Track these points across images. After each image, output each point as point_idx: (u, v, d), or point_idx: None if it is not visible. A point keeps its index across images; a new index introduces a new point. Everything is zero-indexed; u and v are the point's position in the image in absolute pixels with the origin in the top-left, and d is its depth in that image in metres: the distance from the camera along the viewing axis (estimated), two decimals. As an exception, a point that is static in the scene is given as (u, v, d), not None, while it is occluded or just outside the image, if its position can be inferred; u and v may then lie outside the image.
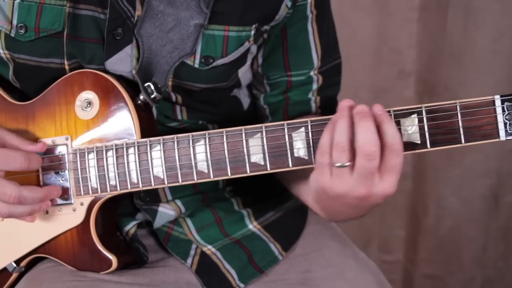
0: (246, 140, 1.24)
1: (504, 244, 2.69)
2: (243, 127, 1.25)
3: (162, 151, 1.28)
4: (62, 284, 1.34)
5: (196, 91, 1.41)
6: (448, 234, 2.72)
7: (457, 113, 1.16)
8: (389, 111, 1.18)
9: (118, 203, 1.41)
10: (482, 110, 1.16)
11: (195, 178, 1.27)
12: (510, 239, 2.68)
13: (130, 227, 1.45)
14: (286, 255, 1.47)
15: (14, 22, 1.35)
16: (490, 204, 2.65)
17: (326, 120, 1.20)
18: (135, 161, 1.30)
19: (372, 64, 2.61)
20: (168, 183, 1.28)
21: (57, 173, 1.35)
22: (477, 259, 2.72)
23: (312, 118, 1.21)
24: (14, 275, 1.40)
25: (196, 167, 1.27)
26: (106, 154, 1.31)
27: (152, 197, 1.46)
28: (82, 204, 1.34)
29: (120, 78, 1.36)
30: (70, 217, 1.35)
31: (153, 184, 1.29)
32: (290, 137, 1.22)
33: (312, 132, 1.21)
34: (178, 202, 1.49)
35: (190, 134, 1.27)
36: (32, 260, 1.40)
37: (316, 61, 1.47)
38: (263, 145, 1.24)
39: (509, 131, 1.15)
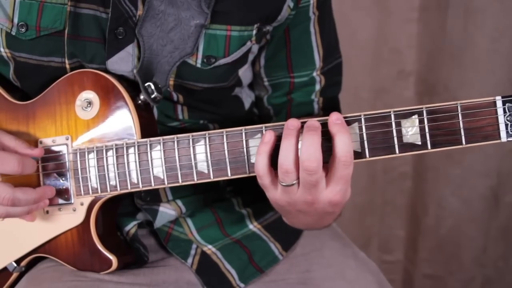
0: (246, 141, 1.24)
1: (504, 244, 2.69)
2: (243, 128, 1.25)
3: (162, 151, 1.28)
4: (62, 284, 1.34)
5: (197, 90, 1.41)
6: (448, 234, 2.72)
7: (458, 114, 1.16)
8: (389, 112, 1.18)
9: (118, 203, 1.41)
10: (483, 111, 1.15)
11: (195, 179, 1.27)
12: (510, 239, 2.68)
13: (131, 227, 1.45)
14: (286, 255, 1.48)
15: (15, 20, 1.35)
16: (490, 204, 2.65)
17: (326, 120, 1.20)
18: (135, 161, 1.30)
19: (372, 64, 2.61)
20: (168, 183, 1.28)
21: (57, 173, 1.34)
22: (477, 259, 2.73)
23: (312, 118, 1.21)
24: (15, 275, 1.40)
25: (196, 167, 1.27)
26: (106, 154, 1.31)
27: (152, 197, 1.46)
28: (82, 204, 1.34)
29: (120, 78, 1.36)
30: (70, 217, 1.35)
31: (153, 185, 1.29)
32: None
33: (312, 132, 1.21)
34: (179, 202, 1.49)
35: (190, 134, 1.27)
36: (33, 260, 1.40)
37: (318, 62, 1.47)
38: (263, 146, 1.23)
39: (510, 132, 1.15)
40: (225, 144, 1.25)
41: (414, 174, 2.71)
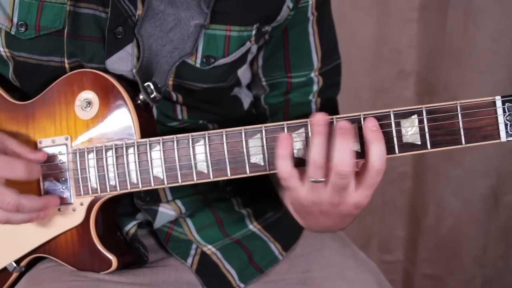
0: (246, 141, 1.24)
1: (504, 244, 2.69)
2: (242, 128, 1.25)
3: (161, 151, 1.28)
4: (62, 284, 1.34)
5: (197, 90, 1.41)
6: (448, 234, 2.72)
7: (458, 114, 1.16)
8: (389, 112, 1.18)
9: (118, 203, 1.41)
10: (482, 111, 1.15)
11: (195, 179, 1.27)
12: (510, 239, 2.68)
13: (130, 227, 1.45)
14: (286, 255, 1.48)
15: (15, 20, 1.35)
16: (490, 204, 2.65)
17: (331, 120, 1.20)
18: (135, 161, 1.30)
19: (372, 64, 2.61)
20: (167, 183, 1.28)
21: (57, 173, 1.34)
22: (477, 259, 2.73)
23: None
24: (14, 275, 1.40)
25: (195, 167, 1.27)
26: (105, 154, 1.31)
27: (152, 197, 1.46)
28: (82, 204, 1.34)
29: (120, 78, 1.36)
30: (70, 217, 1.35)
31: (152, 185, 1.29)
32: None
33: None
34: (178, 202, 1.49)
35: (189, 134, 1.27)
36: (32, 260, 1.40)
37: (316, 63, 1.47)
38: (263, 146, 1.24)
39: (509, 132, 1.15)
40: (225, 144, 1.25)
41: (414, 174, 2.71)
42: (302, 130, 1.22)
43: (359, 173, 1.19)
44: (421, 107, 1.17)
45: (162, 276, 1.42)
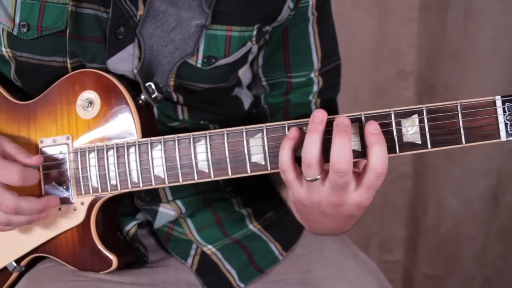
0: (247, 140, 1.25)
1: (504, 244, 2.69)
2: (243, 127, 1.25)
3: (163, 151, 1.28)
4: (63, 284, 1.34)
5: (197, 91, 1.41)
6: (448, 234, 2.72)
7: (458, 113, 1.16)
8: (389, 111, 1.18)
9: (118, 203, 1.41)
10: (483, 110, 1.15)
11: (196, 178, 1.27)
12: (510, 239, 2.68)
13: (131, 227, 1.45)
14: (286, 255, 1.48)
15: (17, 20, 1.35)
16: (490, 204, 2.65)
17: (327, 120, 1.20)
18: (136, 161, 1.30)
19: (372, 64, 2.61)
20: (168, 182, 1.29)
21: (57, 172, 1.35)
22: (477, 259, 2.72)
23: (313, 118, 1.21)
24: (14, 275, 1.40)
25: (196, 166, 1.27)
26: (107, 154, 1.31)
27: (152, 197, 1.46)
28: (82, 203, 1.34)
29: (121, 78, 1.36)
30: (70, 216, 1.35)
31: (153, 184, 1.29)
32: (289, 131, 1.22)
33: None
34: (179, 202, 1.49)
35: (191, 133, 1.27)
36: (33, 260, 1.40)
37: (316, 63, 1.47)
38: (263, 145, 1.24)
39: (510, 132, 1.15)
40: (226, 143, 1.25)
41: (414, 174, 2.71)
42: (304, 129, 1.21)
43: (360, 174, 1.19)
44: (422, 107, 1.18)
45: (162, 276, 1.42)
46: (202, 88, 1.41)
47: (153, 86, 1.33)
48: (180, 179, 1.28)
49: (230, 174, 1.26)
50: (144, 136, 1.31)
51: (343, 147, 1.15)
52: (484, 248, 2.71)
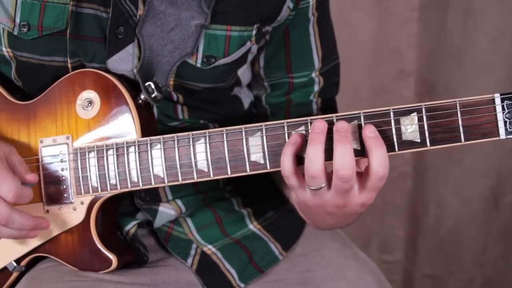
0: (246, 139, 1.25)
1: (504, 244, 2.69)
2: (243, 126, 1.25)
3: (162, 150, 1.28)
4: (63, 284, 1.34)
5: (197, 90, 1.42)
6: (448, 234, 2.72)
7: (457, 111, 1.16)
8: (388, 110, 1.18)
9: (118, 203, 1.41)
10: (482, 108, 1.15)
11: (195, 177, 1.27)
12: (510, 239, 2.68)
13: (130, 226, 1.45)
14: (286, 255, 1.47)
15: (17, 20, 1.35)
16: (490, 204, 2.65)
17: (326, 118, 1.20)
18: (136, 160, 1.30)
19: (372, 64, 2.61)
20: (168, 182, 1.29)
21: (57, 172, 1.35)
22: (477, 259, 2.72)
23: (312, 117, 1.21)
24: (15, 275, 1.40)
25: (196, 166, 1.27)
26: (106, 153, 1.32)
27: (152, 196, 1.46)
28: (82, 203, 1.34)
29: (121, 77, 1.36)
30: (70, 216, 1.35)
31: (153, 183, 1.29)
32: (290, 136, 1.22)
33: (312, 130, 1.21)
34: (179, 201, 1.49)
35: (190, 133, 1.27)
36: (33, 260, 1.40)
37: (317, 63, 1.48)
38: (263, 144, 1.24)
39: (509, 130, 1.15)
40: (225, 142, 1.25)
41: (414, 174, 2.71)
42: (302, 128, 1.22)
43: (363, 177, 1.19)
44: (421, 105, 1.17)
45: (162, 276, 1.42)
46: (201, 88, 1.41)
47: (153, 86, 1.33)
48: (180, 179, 1.28)
49: (229, 173, 1.26)
50: (143, 135, 1.31)
51: (345, 153, 1.15)
52: (484, 248, 2.70)
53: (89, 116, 1.34)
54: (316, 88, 1.50)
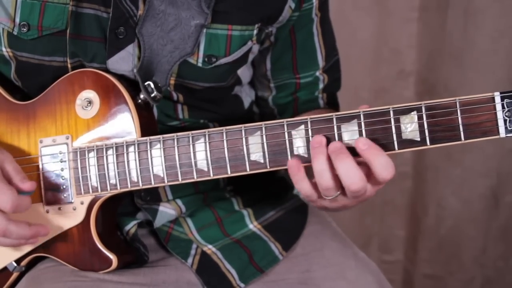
0: (246, 138, 1.25)
1: (504, 244, 2.69)
2: (242, 125, 1.25)
3: (162, 150, 1.28)
4: (63, 284, 1.34)
5: (198, 89, 1.42)
6: (448, 234, 2.72)
7: (457, 110, 1.16)
8: (388, 108, 1.18)
9: (118, 202, 1.41)
10: (481, 107, 1.15)
11: (195, 177, 1.27)
12: (510, 239, 2.68)
13: (131, 226, 1.45)
14: (286, 255, 1.47)
15: (17, 20, 1.35)
16: (490, 204, 2.65)
17: (326, 117, 1.20)
18: (135, 160, 1.30)
19: (372, 64, 2.61)
20: (168, 181, 1.29)
21: (57, 172, 1.35)
22: (477, 259, 2.72)
23: (312, 116, 1.22)
24: (15, 275, 1.40)
25: (196, 165, 1.27)
26: (106, 153, 1.31)
27: (152, 196, 1.46)
28: (82, 203, 1.34)
29: (120, 77, 1.36)
30: (70, 216, 1.35)
31: (153, 183, 1.29)
32: (290, 135, 1.22)
33: (312, 130, 1.21)
34: (179, 201, 1.49)
35: (190, 132, 1.27)
36: (33, 260, 1.40)
37: (321, 62, 1.51)
38: (262, 143, 1.24)
39: (509, 128, 1.15)
40: (225, 141, 1.25)
41: (414, 174, 2.71)
42: (302, 127, 1.22)
43: (373, 181, 1.20)
44: (420, 104, 1.17)
45: (163, 275, 1.42)
46: (202, 87, 1.41)
47: (152, 85, 1.33)
48: (180, 178, 1.28)
49: (229, 172, 1.26)
50: (143, 135, 1.31)
51: (349, 170, 1.17)
52: (484, 248, 2.70)
53: (89, 116, 1.34)
54: (321, 85, 1.54)
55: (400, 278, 2.83)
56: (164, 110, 1.43)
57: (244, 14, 1.38)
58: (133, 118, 1.32)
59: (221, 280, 1.42)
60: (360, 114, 1.19)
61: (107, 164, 1.32)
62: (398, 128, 1.18)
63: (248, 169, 1.25)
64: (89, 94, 1.34)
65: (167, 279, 1.41)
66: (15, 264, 1.39)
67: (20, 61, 1.39)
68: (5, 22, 1.36)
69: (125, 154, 1.30)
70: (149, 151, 1.29)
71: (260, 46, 1.47)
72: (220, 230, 1.49)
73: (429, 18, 2.53)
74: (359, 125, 1.19)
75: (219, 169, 1.26)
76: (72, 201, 1.34)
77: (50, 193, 1.35)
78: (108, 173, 1.31)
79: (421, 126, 1.17)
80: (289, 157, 1.23)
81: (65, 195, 1.35)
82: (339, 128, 1.20)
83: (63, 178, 1.35)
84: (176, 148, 1.28)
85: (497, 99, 1.15)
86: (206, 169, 1.27)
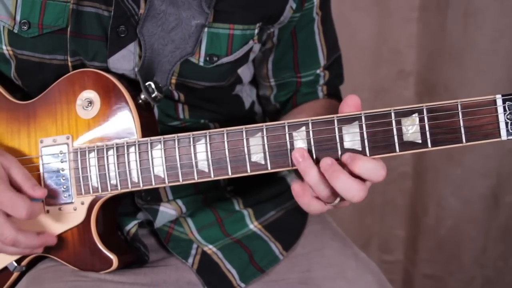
0: (247, 139, 1.24)
1: (504, 244, 2.69)
2: (243, 126, 1.25)
3: (162, 150, 1.28)
4: (63, 284, 1.34)
5: (199, 89, 1.42)
6: (448, 234, 2.72)
7: (458, 112, 1.16)
8: (389, 110, 1.18)
9: (119, 203, 1.41)
10: (483, 109, 1.15)
11: (196, 178, 1.27)
12: (510, 239, 2.68)
13: (131, 226, 1.45)
14: (286, 255, 1.47)
15: (18, 18, 1.35)
16: (490, 204, 2.65)
17: (327, 119, 1.20)
18: (136, 160, 1.30)
19: (372, 64, 2.61)
20: (168, 182, 1.28)
21: (58, 172, 1.35)
22: (477, 259, 2.73)
23: (313, 118, 1.21)
24: (15, 274, 1.40)
25: (196, 166, 1.27)
26: (107, 153, 1.31)
27: (153, 196, 1.46)
28: (82, 203, 1.34)
29: (121, 77, 1.36)
30: (70, 216, 1.35)
31: (153, 183, 1.29)
32: (291, 136, 1.22)
33: (312, 131, 1.21)
34: (179, 201, 1.49)
35: (190, 133, 1.27)
36: (33, 260, 1.40)
37: (322, 61, 1.52)
38: (263, 144, 1.24)
39: (510, 131, 1.14)
40: (226, 142, 1.25)
41: (414, 174, 2.71)
42: (303, 129, 1.22)
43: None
44: (422, 106, 1.17)
45: (163, 275, 1.42)
46: (203, 86, 1.41)
47: (153, 86, 1.33)
48: (180, 179, 1.28)
49: (230, 173, 1.26)
50: (144, 135, 1.31)
51: (346, 184, 1.17)
52: (484, 248, 2.71)
53: (89, 116, 1.34)
54: (322, 81, 1.55)
55: (400, 278, 2.83)
56: (165, 110, 1.43)
57: (246, 13, 1.38)
58: (133, 118, 1.32)
59: (222, 280, 1.42)
60: (361, 116, 1.19)
61: (108, 165, 1.31)
62: (399, 130, 1.18)
63: (249, 170, 1.25)
64: (90, 94, 1.34)
65: (167, 279, 1.41)
66: (16, 264, 1.39)
67: (20, 60, 1.38)
68: (5, 20, 1.36)
69: (125, 155, 1.30)
70: (150, 151, 1.29)
71: (262, 47, 1.48)
72: (220, 230, 1.49)
73: (429, 18, 2.53)
74: (360, 127, 1.19)
75: (220, 170, 1.26)
76: (73, 201, 1.34)
77: (50, 193, 1.35)
78: (108, 174, 1.31)
79: (422, 128, 1.17)
80: (290, 158, 1.23)
81: (65, 195, 1.35)
82: (340, 130, 1.20)
83: (64, 178, 1.34)
84: (177, 148, 1.28)
85: (499, 102, 1.15)
86: (207, 170, 1.27)
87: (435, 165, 2.66)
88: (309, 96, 1.55)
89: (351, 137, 1.20)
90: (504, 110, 1.14)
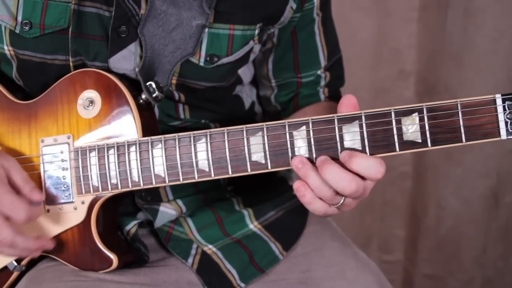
0: (247, 139, 1.25)
1: (504, 244, 2.69)
2: (244, 126, 1.25)
3: (163, 150, 1.28)
4: (63, 284, 1.34)
5: (199, 89, 1.42)
6: (448, 234, 2.72)
7: (458, 112, 1.16)
8: (389, 110, 1.18)
9: (119, 202, 1.41)
10: (483, 109, 1.15)
11: (196, 177, 1.27)
12: (510, 239, 2.68)
13: (131, 226, 1.45)
14: (286, 255, 1.47)
15: (19, 18, 1.35)
16: (490, 204, 2.66)
17: (327, 118, 1.20)
18: (137, 160, 1.30)
19: (372, 64, 2.61)
20: (169, 181, 1.29)
21: (58, 171, 1.35)
22: (477, 259, 2.73)
23: (313, 117, 1.22)
24: (15, 274, 1.40)
25: (197, 165, 1.27)
26: (107, 153, 1.32)
27: (153, 196, 1.46)
28: (83, 202, 1.34)
29: (122, 77, 1.36)
30: (71, 215, 1.35)
31: (154, 183, 1.29)
32: (291, 136, 1.22)
33: (313, 130, 1.21)
34: (179, 201, 1.49)
35: (191, 132, 1.27)
36: (33, 259, 1.40)
37: (323, 61, 1.52)
38: (264, 144, 1.24)
39: (510, 130, 1.14)
40: (226, 142, 1.25)
41: (414, 174, 2.71)
42: (303, 128, 1.22)
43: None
44: (422, 105, 1.17)
45: (163, 275, 1.42)
46: (204, 87, 1.42)
47: (154, 86, 1.34)
48: (181, 178, 1.28)
49: (230, 173, 1.26)
50: (144, 135, 1.31)
51: (336, 175, 1.17)
52: (484, 248, 2.71)
53: (90, 115, 1.34)
54: (323, 83, 1.55)
55: (400, 278, 2.83)
56: (166, 110, 1.43)
57: (246, 14, 1.38)
58: (134, 118, 1.32)
59: (222, 280, 1.42)
60: (361, 115, 1.19)
61: (108, 164, 1.32)
62: (399, 130, 1.18)
63: (249, 170, 1.25)
64: (91, 94, 1.34)
65: (167, 279, 1.42)
66: (16, 264, 1.39)
67: (21, 60, 1.39)
68: (7, 21, 1.36)
69: (126, 154, 1.30)
70: (150, 151, 1.29)
71: (262, 47, 1.48)
72: (220, 230, 1.49)
73: (429, 18, 2.53)
74: (360, 126, 1.19)
75: (220, 169, 1.26)
76: (73, 200, 1.34)
77: (51, 192, 1.35)
78: (109, 173, 1.31)
79: (422, 127, 1.17)
80: (290, 158, 1.23)
81: (66, 194, 1.35)
82: (340, 129, 1.20)
83: (64, 177, 1.35)
84: (177, 148, 1.28)
85: (499, 101, 1.15)
86: (207, 169, 1.27)
87: (435, 165, 2.66)
88: (311, 98, 1.54)
89: (351, 136, 1.20)
90: (504, 109, 1.15)
